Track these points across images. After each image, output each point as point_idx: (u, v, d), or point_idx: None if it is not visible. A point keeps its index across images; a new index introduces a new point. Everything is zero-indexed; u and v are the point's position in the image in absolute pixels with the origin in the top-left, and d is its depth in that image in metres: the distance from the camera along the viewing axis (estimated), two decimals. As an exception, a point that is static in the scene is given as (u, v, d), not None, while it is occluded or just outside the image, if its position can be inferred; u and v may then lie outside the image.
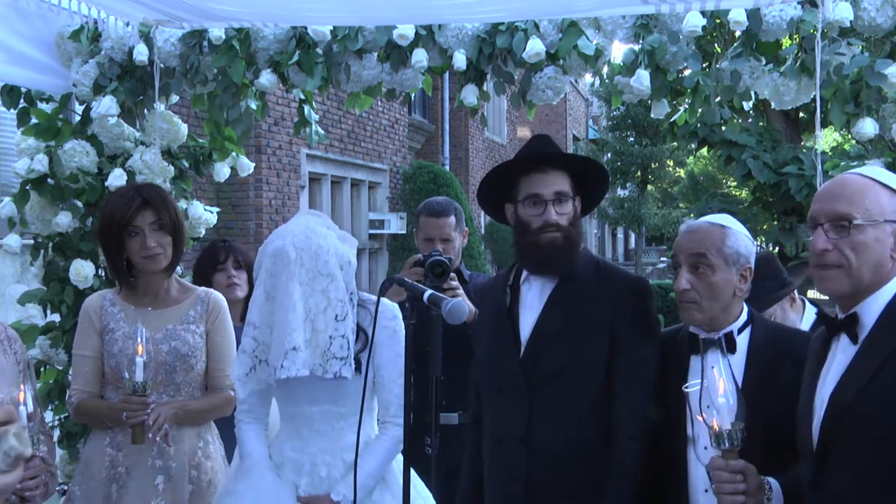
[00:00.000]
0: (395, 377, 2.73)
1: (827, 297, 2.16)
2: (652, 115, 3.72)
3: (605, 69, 3.63)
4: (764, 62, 3.40)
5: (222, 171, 4.36)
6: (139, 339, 2.78)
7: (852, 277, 2.01)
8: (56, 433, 3.93)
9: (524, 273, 2.79)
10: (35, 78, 4.02)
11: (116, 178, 3.90)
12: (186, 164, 4.25)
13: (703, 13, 3.28)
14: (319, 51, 3.71)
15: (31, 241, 4.15)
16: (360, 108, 4.09)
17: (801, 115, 12.56)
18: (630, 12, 3.42)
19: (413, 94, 3.98)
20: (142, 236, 3.02)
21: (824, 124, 3.34)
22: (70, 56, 4.01)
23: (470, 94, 3.65)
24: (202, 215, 4.23)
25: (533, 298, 2.74)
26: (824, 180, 3.44)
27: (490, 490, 2.75)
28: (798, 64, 3.30)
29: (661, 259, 34.80)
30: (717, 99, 3.50)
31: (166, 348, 3.04)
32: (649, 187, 29.63)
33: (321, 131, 4.41)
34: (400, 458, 2.71)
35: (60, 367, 3.98)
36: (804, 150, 11.56)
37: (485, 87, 3.74)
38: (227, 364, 3.16)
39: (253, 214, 10.44)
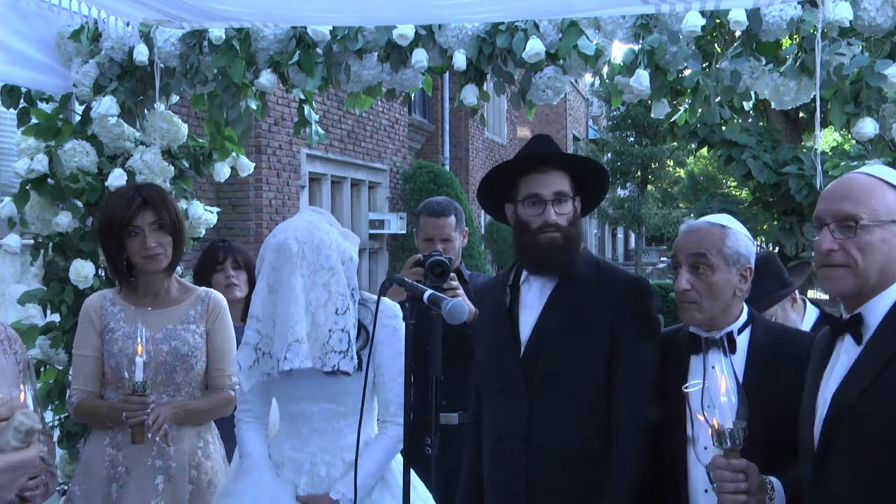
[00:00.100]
0: (395, 376, 2.74)
1: (827, 297, 2.16)
2: (652, 115, 3.72)
3: (605, 69, 3.63)
4: (764, 62, 3.40)
5: (222, 171, 4.36)
6: (139, 339, 2.78)
7: (858, 277, 2.00)
8: (56, 433, 3.93)
9: (524, 273, 2.79)
10: (35, 78, 4.02)
11: (116, 178, 3.90)
12: (186, 164, 4.25)
13: (702, 13, 3.28)
14: (319, 51, 3.71)
15: (31, 241, 4.15)
16: (360, 108, 4.09)
17: (801, 115, 12.55)
18: (630, 12, 3.42)
19: (413, 94, 3.98)
20: (142, 236, 3.02)
21: (824, 124, 3.34)
22: (70, 56, 4.01)
23: (470, 94, 3.65)
24: (202, 215, 4.23)
25: (533, 298, 2.74)
26: (824, 180, 3.44)
27: (490, 490, 2.75)
28: (798, 64, 3.30)
29: (661, 259, 34.80)
30: (717, 99, 3.50)
31: (166, 348, 3.04)
32: (649, 187, 29.63)
33: (321, 131, 4.41)
34: (400, 458, 2.71)
35: (60, 367, 3.98)
36: (804, 150, 11.55)
37: (485, 87, 3.73)
38: (228, 364, 3.17)
39: (253, 214, 10.44)
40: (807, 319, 3.58)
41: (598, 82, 3.79)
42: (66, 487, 3.32)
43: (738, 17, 3.23)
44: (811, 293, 11.62)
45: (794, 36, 3.39)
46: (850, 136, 5.16)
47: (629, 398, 2.58)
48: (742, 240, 2.51)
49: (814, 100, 3.28)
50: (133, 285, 3.13)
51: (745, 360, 2.44)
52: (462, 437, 3.03)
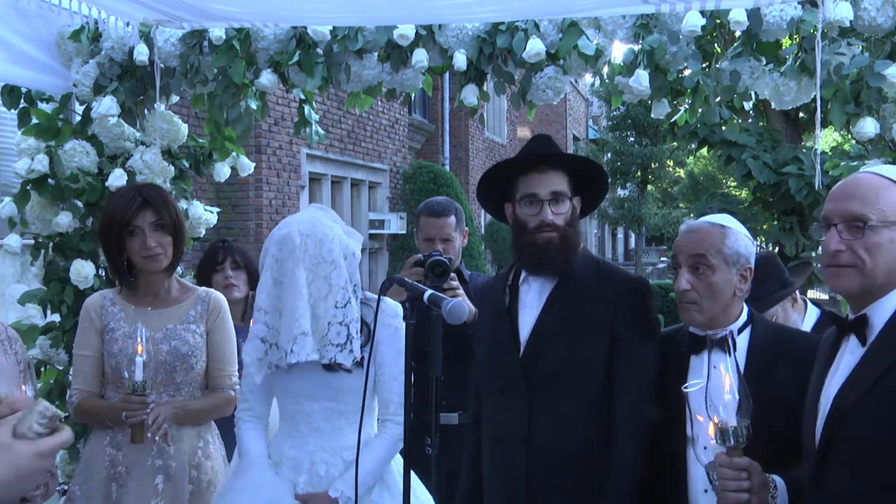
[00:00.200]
0: (395, 375, 2.74)
1: (827, 297, 2.15)
2: (652, 115, 3.72)
3: (605, 69, 3.62)
4: (764, 62, 3.40)
5: (222, 171, 4.36)
6: (139, 339, 2.79)
7: (865, 277, 1.99)
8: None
9: (523, 273, 2.79)
10: (35, 78, 4.02)
11: (117, 179, 3.90)
12: (186, 164, 4.25)
13: (703, 13, 3.28)
14: (319, 51, 3.71)
15: (32, 241, 4.15)
16: (360, 108, 4.09)
17: (801, 115, 12.54)
18: (630, 12, 3.42)
19: (413, 94, 3.98)
20: (142, 236, 3.02)
21: (824, 124, 3.34)
22: (70, 56, 4.01)
23: (470, 94, 3.65)
24: (202, 215, 4.23)
25: (532, 298, 2.74)
26: (824, 180, 3.44)
27: (490, 490, 2.75)
28: (798, 64, 3.30)
29: (661, 259, 34.78)
30: (717, 99, 3.50)
31: (166, 348, 3.04)
32: (649, 187, 29.62)
33: (321, 131, 4.41)
34: (399, 458, 2.72)
35: (61, 367, 3.98)
36: (804, 150, 11.54)
37: (485, 87, 3.73)
38: (228, 364, 3.17)
39: (253, 214, 10.44)
40: (807, 319, 3.58)
41: (598, 82, 3.78)
42: (66, 487, 3.32)
43: (738, 17, 3.23)
44: (811, 293, 11.62)
45: (795, 36, 3.39)
46: (850, 136, 5.16)
47: (629, 398, 2.58)
48: (742, 240, 2.51)
49: (814, 100, 3.28)
50: (133, 285, 3.13)
51: (745, 359, 2.44)
52: (462, 437, 3.03)
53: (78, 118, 4.10)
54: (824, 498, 1.99)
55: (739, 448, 2.06)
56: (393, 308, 2.77)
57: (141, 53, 3.78)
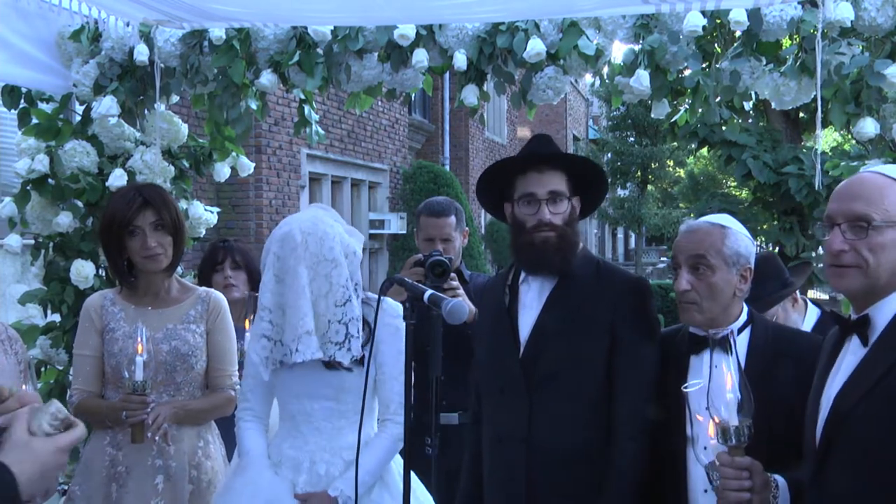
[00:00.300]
0: (396, 374, 2.74)
1: (828, 297, 2.15)
2: (652, 115, 3.72)
3: (606, 69, 3.63)
4: (764, 62, 3.40)
5: (222, 171, 4.36)
6: (139, 339, 2.79)
7: (869, 277, 1.98)
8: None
9: (523, 273, 2.79)
10: (35, 78, 4.02)
11: (117, 179, 3.90)
12: (186, 164, 4.25)
13: (703, 13, 3.28)
14: (320, 51, 3.71)
15: (32, 241, 4.15)
16: (361, 108, 4.09)
17: (801, 115, 12.54)
18: (630, 12, 3.42)
19: (413, 94, 3.98)
20: (142, 236, 3.02)
21: (824, 124, 3.34)
22: (70, 56, 4.01)
23: (470, 94, 3.65)
24: (202, 215, 4.23)
25: (532, 298, 2.74)
26: (824, 180, 3.44)
27: (490, 490, 2.75)
28: (798, 64, 3.30)
29: (661, 259, 34.77)
30: (717, 99, 3.50)
31: (166, 348, 3.04)
32: (649, 187, 29.62)
33: (321, 131, 4.42)
34: (399, 458, 2.72)
35: (61, 367, 3.98)
36: (804, 150, 11.54)
37: (485, 87, 3.74)
38: (228, 363, 3.17)
39: (253, 214, 10.44)
40: (808, 319, 3.58)
41: (598, 82, 3.78)
42: (66, 487, 3.32)
43: (738, 17, 3.23)
44: (812, 293, 11.62)
45: (795, 36, 3.39)
46: (850, 136, 5.16)
47: (629, 398, 2.58)
48: (742, 240, 2.50)
49: (814, 100, 3.28)
50: (133, 285, 3.13)
51: (746, 359, 2.43)
52: (462, 437, 3.03)
53: (78, 118, 4.10)
54: (825, 498, 1.99)
55: (741, 447, 2.06)
56: (394, 308, 2.77)
57: (141, 53, 3.78)
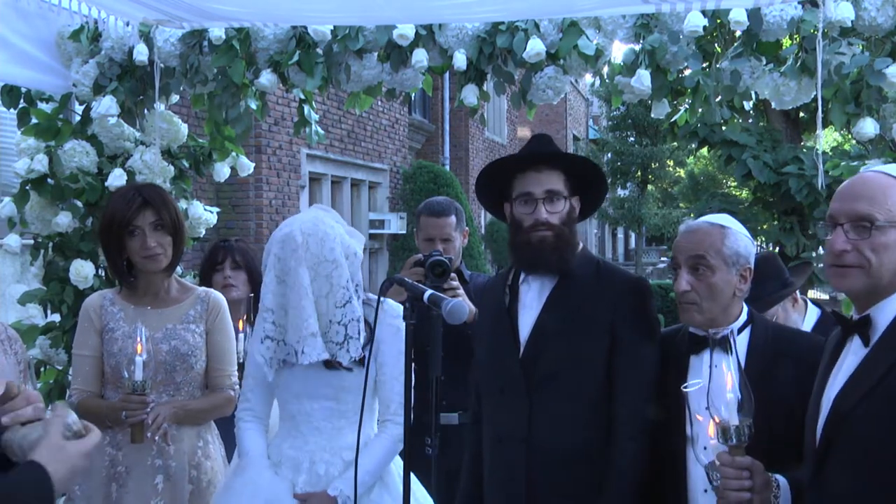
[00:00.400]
0: (396, 375, 2.75)
1: (828, 298, 2.15)
2: (652, 115, 3.72)
3: (606, 69, 3.62)
4: (764, 62, 3.40)
5: (222, 171, 4.36)
6: (139, 339, 2.79)
7: (871, 277, 1.98)
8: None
9: (523, 273, 2.79)
10: (35, 78, 4.02)
11: (116, 178, 3.90)
12: (186, 164, 4.25)
13: (703, 13, 3.28)
14: (319, 51, 3.71)
15: (31, 241, 4.15)
16: (360, 108, 4.09)
17: (801, 115, 12.55)
18: (630, 12, 3.42)
19: (413, 94, 3.98)
20: (142, 236, 3.02)
21: (824, 124, 3.34)
22: (70, 56, 4.01)
23: (470, 94, 3.65)
24: (202, 215, 4.23)
25: (532, 298, 2.74)
26: (825, 180, 3.44)
27: (490, 490, 2.75)
28: (798, 64, 3.30)
29: (662, 259, 34.76)
30: (718, 99, 3.50)
31: (166, 348, 3.04)
32: (649, 187, 29.62)
33: (321, 131, 4.41)
34: (399, 459, 2.72)
35: (60, 367, 3.98)
36: (804, 150, 11.55)
37: (485, 87, 3.73)
38: (228, 363, 3.17)
39: (253, 214, 10.44)
40: (808, 319, 3.58)
41: (598, 82, 3.78)
42: (66, 487, 3.32)
43: (738, 17, 3.23)
44: (812, 293, 11.62)
45: (795, 36, 3.39)
46: (850, 136, 5.16)
47: (629, 398, 2.58)
48: (741, 240, 2.50)
49: (814, 100, 3.28)
50: (133, 285, 3.13)
51: (745, 359, 2.43)
52: (462, 437, 3.03)
53: (78, 118, 4.09)
54: (825, 498, 1.99)
55: (741, 447, 2.05)
56: (395, 309, 2.78)
57: (141, 53, 3.78)
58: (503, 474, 2.69)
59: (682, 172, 32.50)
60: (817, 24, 3.17)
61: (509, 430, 2.67)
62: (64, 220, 3.92)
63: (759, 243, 12.73)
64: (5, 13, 3.80)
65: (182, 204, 4.11)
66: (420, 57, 3.59)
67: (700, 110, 3.56)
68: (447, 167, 16.86)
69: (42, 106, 4.11)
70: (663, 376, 2.56)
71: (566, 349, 2.63)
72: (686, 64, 3.40)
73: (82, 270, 3.87)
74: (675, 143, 22.62)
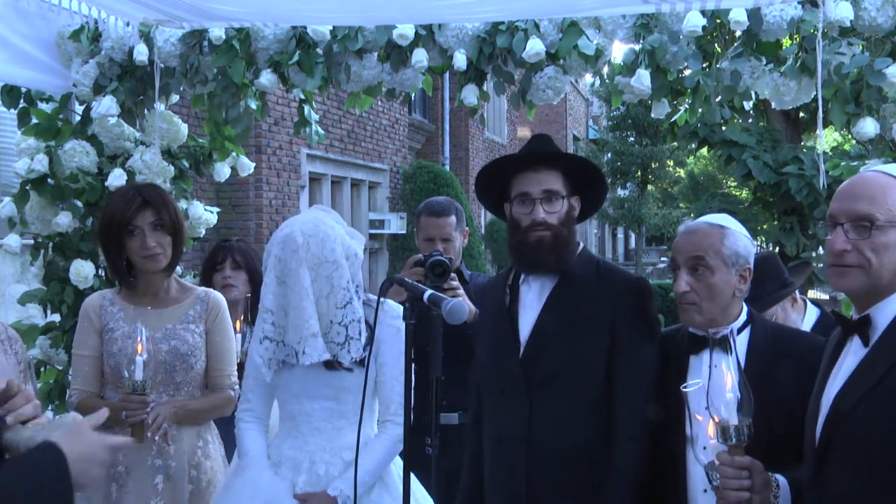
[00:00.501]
0: (396, 375, 2.75)
1: (828, 298, 2.15)
2: (652, 115, 3.72)
3: (606, 69, 3.62)
4: (764, 62, 3.40)
5: (222, 171, 4.36)
6: (139, 338, 2.79)
7: (871, 277, 1.98)
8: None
9: (523, 273, 2.79)
10: (35, 78, 4.02)
11: (116, 178, 3.90)
12: (186, 164, 4.25)
13: (703, 13, 3.28)
14: (319, 51, 3.71)
15: (31, 241, 4.15)
16: (360, 108, 4.09)
17: (801, 115, 12.55)
18: (630, 12, 3.42)
19: (413, 94, 3.98)
20: (141, 236, 3.02)
21: (824, 124, 3.34)
22: (70, 56, 4.01)
23: (470, 94, 3.65)
24: (202, 215, 4.23)
25: (532, 298, 2.74)
26: (826, 180, 3.44)
27: (491, 490, 2.75)
28: (798, 64, 3.30)
29: (662, 259, 34.77)
30: (718, 99, 3.50)
31: (166, 348, 3.04)
32: (649, 187, 29.62)
33: (321, 131, 4.41)
34: (399, 459, 2.72)
35: (60, 367, 3.98)
36: (804, 150, 11.55)
37: (485, 87, 3.73)
38: (227, 363, 3.17)
39: (253, 214, 10.44)
40: (807, 319, 3.58)
41: (598, 82, 3.79)
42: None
43: (738, 17, 3.23)
44: (812, 293, 11.62)
45: (795, 36, 3.39)
46: (850, 136, 5.16)
47: (629, 398, 2.58)
48: (741, 240, 2.50)
49: (814, 100, 3.28)
50: (132, 285, 3.13)
51: (745, 359, 2.43)
52: (462, 437, 3.03)
53: (78, 118, 4.09)
54: (824, 498, 1.99)
55: (741, 446, 2.05)
56: (395, 309, 2.78)
57: (141, 53, 3.78)
58: (503, 474, 2.69)
59: (682, 172, 32.51)
60: (817, 24, 3.17)
61: (509, 430, 2.67)
62: (64, 220, 3.92)
63: (759, 243, 12.73)
64: (5, 13, 3.80)
65: (182, 204, 4.11)
66: (420, 57, 3.59)
67: (700, 110, 3.56)
68: (447, 167, 16.86)
69: (42, 106, 4.11)
70: (663, 376, 2.56)
71: (566, 349, 2.63)
72: (686, 64, 3.40)
73: (82, 270, 3.88)
74: (675, 143, 22.62)
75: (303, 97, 4.29)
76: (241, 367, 3.20)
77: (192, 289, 3.22)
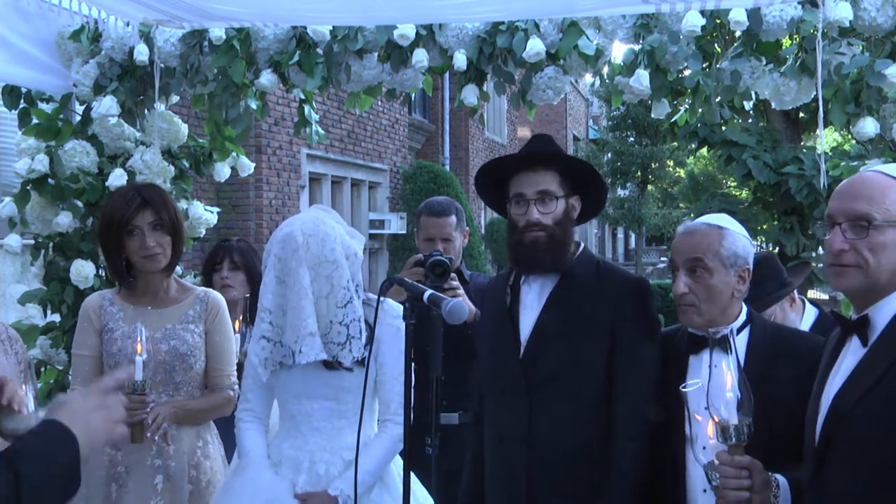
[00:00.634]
0: (397, 375, 2.75)
1: (828, 298, 2.15)
2: (652, 116, 3.72)
3: (606, 69, 3.63)
4: (764, 62, 3.40)
5: (222, 171, 4.36)
6: (138, 338, 2.79)
7: (869, 277, 1.98)
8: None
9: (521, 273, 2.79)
10: (36, 78, 4.02)
11: (117, 178, 3.90)
12: (187, 164, 4.25)
13: (703, 13, 3.28)
14: (319, 51, 3.71)
15: (32, 241, 4.15)
16: (361, 108, 4.09)
17: (801, 115, 12.55)
18: (630, 12, 3.42)
19: (413, 94, 3.98)
20: (140, 236, 3.02)
21: (825, 124, 3.34)
22: (70, 56, 4.01)
23: (470, 94, 3.65)
24: (202, 215, 4.23)
25: (533, 299, 2.74)
26: (827, 181, 3.43)
27: (491, 490, 2.75)
28: (798, 64, 3.30)
29: (662, 259, 34.76)
30: (718, 99, 3.50)
31: (165, 348, 3.04)
32: (649, 187, 29.61)
33: (321, 131, 4.41)
34: (399, 459, 2.72)
35: (61, 367, 3.98)
36: (804, 150, 11.55)
37: (485, 87, 3.73)
38: (227, 363, 3.17)
39: (253, 214, 10.44)
40: (806, 319, 3.57)
41: (598, 82, 3.80)
42: (66, 487, 3.32)
43: (738, 17, 3.23)
44: (812, 293, 11.62)
45: (795, 36, 3.39)
46: (850, 136, 5.16)
47: (629, 398, 2.58)
48: (739, 240, 2.49)
49: (814, 100, 3.28)
50: (132, 285, 3.13)
51: (745, 359, 2.43)
52: (462, 437, 3.03)
53: (78, 118, 4.10)
54: (824, 498, 1.99)
55: (741, 446, 2.05)
56: (394, 308, 2.78)
57: (141, 53, 3.78)
58: (504, 474, 2.69)
59: (682, 172, 32.50)
60: (817, 25, 3.17)
61: (510, 431, 2.67)
62: (64, 220, 3.92)
63: (758, 243, 12.73)
64: (5, 13, 3.80)
65: (182, 204, 4.11)
66: (420, 57, 3.59)
67: (700, 110, 3.56)
68: (447, 167, 16.86)
69: (42, 106, 4.11)
70: (663, 376, 2.56)
71: (566, 349, 2.63)
72: (686, 64, 3.40)
73: (83, 270, 3.88)
74: (675, 143, 22.62)
75: (303, 97, 4.29)
76: (240, 366, 3.20)
77: (192, 289, 3.22)
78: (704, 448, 2.24)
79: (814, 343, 2.41)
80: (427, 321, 2.24)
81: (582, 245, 2.80)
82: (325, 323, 2.70)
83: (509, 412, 2.68)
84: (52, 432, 1.75)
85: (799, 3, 3.27)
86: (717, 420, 2.06)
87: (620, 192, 30.41)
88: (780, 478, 2.12)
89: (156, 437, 2.87)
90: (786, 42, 3.53)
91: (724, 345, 2.12)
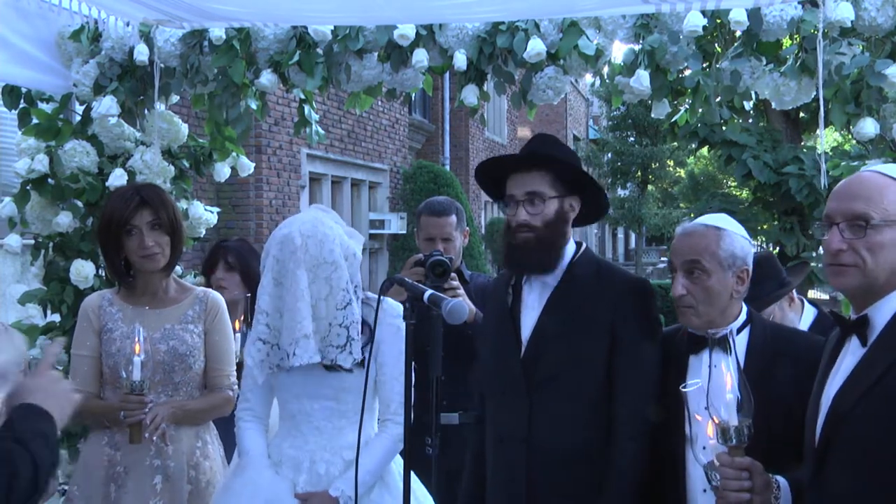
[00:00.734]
0: (397, 375, 2.74)
1: (828, 298, 2.15)
2: (652, 115, 3.72)
3: (606, 69, 3.63)
4: (764, 62, 3.40)
5: (222, 171, 4.36)
6: (137, 339, 2.79)
7: (867, 277, 1.98)
8: (56, 433, 3.93)
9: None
10: (36, 78, 4.02)
11: (117, 178, 3.90)
12: (187, 164, 4.25)
13: (703, 13, 3.28)
14: (320, 51, 3.71)
15: (32, 241, 4.15)
16: (361, 108, 4.09)
17: (801, 115, 12.55)
18: (630, 12, 3.42)
19: (413, 94, 3.98)
20: (139, 235, 3.02)
21: (825, 124, 3.34)
22: (70, 56, 4.01)
23: (470, 94, 3.65)
24: (202, 215, 4.23)
25: (533, 299, 2.74)
26: (827, 181, 3.43)
27: (492, 490, 2.75)
28: (798, 64, 3.30)
29: (662, 259, 34.77)
30: (718, 99, 3.50)
31: (164, 348, 3.04)
32: (649, 187, 29.63)
33: (321, 131, 4.41)
34: (400, 458, 2.72)
35: (60, 368, 3.98)
36: (804, 150, 11.56)
37: (485, 87, 3.73)
38: (226, 364, 3.17)
39: (253, 214, 10.44)
40: (804, 319, 3.57)
41: (598, 82, 3.80)
42: (65, 487, 3.32)
43: (738, 17, 3.23)
44: (812, 293, 11.62)
45: (795, 36, 3.39)
46: (850, 136, 5.16)
47: (629, 398, 2.58)
48: (738, 241, 2.49)
49: (814, 100, 3.28)
50: (131, 285, 3.13)
51: (744, 359, 2.43)
52: (462, 437, 3.03)
53: (78, 118, 4.10)
54: (824, 498, 1.99)
55: (741, 447, 2.05)
56: (395, 308, 2.77)
57: (141, 53, 3.78)
58: (504, 474, 2.69)
59: (682, 172, 32.52)
60: (817, 25, 3.17)
61: (510, 431, 2.67)
62: (64, 220, 3.92)
63: (758, 243, 12.74)
64: (5, 13, 3.80)
65: (182, 204, 4.11)
66: (420, 57, 3.59)
67: (700, 110, 3.56)
68: (447, 167, 16.86)
69: (42, 106, 4.11)
70: (663, 376, 2.56)
71: (566, 350, 2.63)
72: (686, 64, 3.40)
73: (83, 270, 3.88)
74: (675, 143, 22.63)
75: (303, 97, 4.29)
76: (239, 366, 3.20)
77: (191, 289, 3.22)
78: (704, 448, 2.24)
79: (813, 342, 2.41)
80: (427, 321, 2.24)
81: (584, 246, 2.79)
82: (325, 325, 2.68)
83: (509, 412, 2.68)
84: (38, 416, 1.85)
85: (799, 3, 3.27)
86: (717, 421, 2.06)
87: (620, 192, 30.42)
88: (781, 479, 2.11)
89: (154, 438, 2.87)
90: (786, 42, 3.53)
91: (723, 345, 2.12)
